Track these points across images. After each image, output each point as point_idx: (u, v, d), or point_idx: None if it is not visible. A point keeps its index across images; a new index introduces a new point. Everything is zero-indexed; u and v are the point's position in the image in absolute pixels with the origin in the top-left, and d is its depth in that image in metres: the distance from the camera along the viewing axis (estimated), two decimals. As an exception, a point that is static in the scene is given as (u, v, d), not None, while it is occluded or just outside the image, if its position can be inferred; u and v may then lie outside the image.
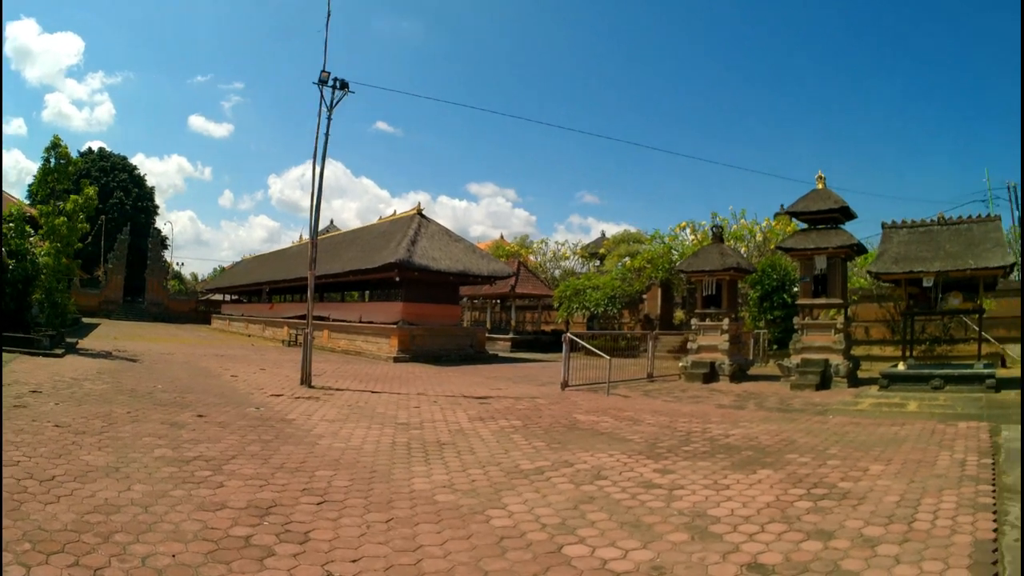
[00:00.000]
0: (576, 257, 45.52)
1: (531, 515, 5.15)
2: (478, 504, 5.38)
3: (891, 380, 13.70)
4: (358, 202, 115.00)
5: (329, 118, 14.20)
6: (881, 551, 4.48)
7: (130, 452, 6.51)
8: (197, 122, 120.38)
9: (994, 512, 5.12)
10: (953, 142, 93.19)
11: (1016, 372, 16.03)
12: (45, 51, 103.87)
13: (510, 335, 32.94)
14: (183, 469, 5.96)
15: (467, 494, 5.67)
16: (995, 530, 4.74)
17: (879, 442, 8.21)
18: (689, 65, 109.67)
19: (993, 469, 6.52)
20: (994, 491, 5.70)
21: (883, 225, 15.80)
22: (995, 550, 4.39)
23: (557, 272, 44.18)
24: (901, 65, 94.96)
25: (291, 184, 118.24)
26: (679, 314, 31.60)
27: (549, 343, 30.95)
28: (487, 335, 29.85)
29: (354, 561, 4.05)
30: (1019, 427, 8.50)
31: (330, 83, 14.09)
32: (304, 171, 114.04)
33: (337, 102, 14.20)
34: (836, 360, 15.05)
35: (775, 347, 22.86)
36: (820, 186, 16.42)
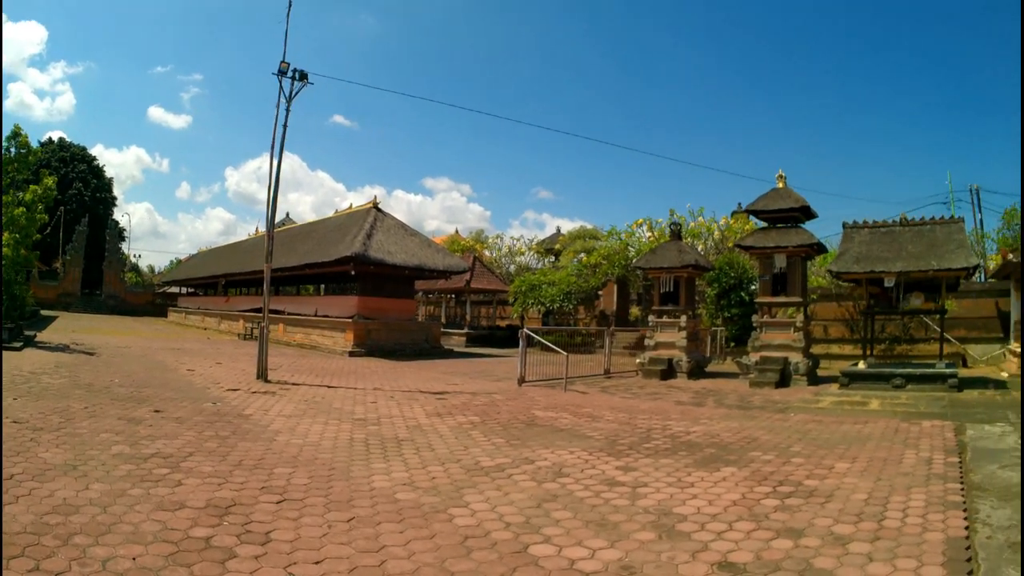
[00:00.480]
0: (531, 253, 46.07)
1: (494, 513, 5.09)
2: (440, 502, 5.33)
3: (852, 378, 13.94)
4: (314, 195, 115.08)
5: (288, 109, 14.28)
6: (853, 549, 4.45)
7: (88, 449, 6.50)
8: (156, 113, 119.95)
9: (964, 510, 5.14)
10: (914, 144, 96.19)
11: (978, 372, 16.58)
12: (8, 40, 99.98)
13: (465, 330, 33.32)
14: (141, 467, 5.92)
15: (428, 492, 5.62)
16: (967, 528, 4.74)
17: (843, 440, 8.29)
18: (647, 63, 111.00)
19: (960, 467, 6.60)
20: (963, 489, 5.75)
21: (844, 225, 16.08)
22: (968, 547, 4.38)
23: (512, 267, 44.65)
24: (864, 66, 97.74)
25: (248, 177, 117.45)
26: (635, 311, 31.95)
27: (504, 338, 31.34)
28: (442, 330, 30.04)
29: (317, 563, 3.99)
30: (984, 426, 8.74)
31: (289, 74, 14.16)
32: (261, 164, 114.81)
33: (296, 93, 14.30)
34: (795, 358, 15.25)
35: (733, 344, 23.21)
36: (781, 185, 16.62)
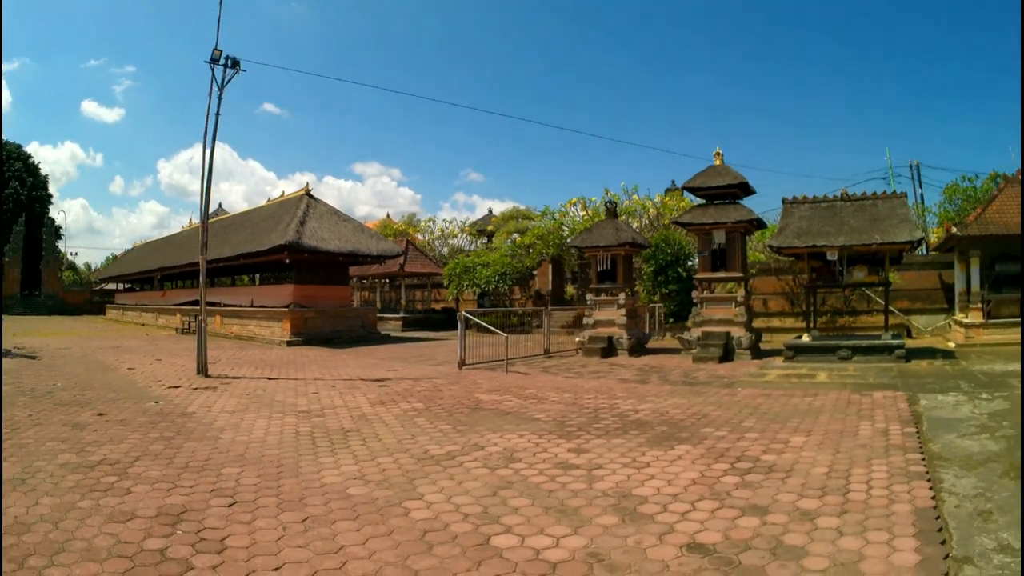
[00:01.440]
0: (464, 235, 46.45)
1: (450, 505, 5.06)
2: (394, 496, 5.28)
3: (796, 351, 14.32)
4: (245, 185, 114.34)
5: (220, 97, 14.53)
6: (822, 524, 4.48)
7: (35, 460, 6.41)
8: (90, 107, 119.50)
9: (929, 480, 5.27)
10: (851, 121, 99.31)
11: (924, 342, 17.29)
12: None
13: (401, 314, 33.70)
14: (88, 476, 5.82)
15: (380, 485, 5.58)
16: (933, 498, 4.83)
17: (795, 413, 8.45)
18: (575, 44, 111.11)
19: (918, 438, 6.80)
20: (924, 459, 5.90)
21: (784, 200, 16.45)
22: (937, 517, 4.46)
23: (445, 250, 44.99)
24: (799, 42, 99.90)
25: (180, 168, 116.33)
26: (570, 289, 32.28)
27: (440, 321, 32.11)
28: (378, 315, 30.20)
29: (276, 569, 3.91)
30: (936, 396, 9.13)
31: (222, 62, 14.39)
32: (192, 154, 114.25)
33: (228, 81, 14.54)
34: (738, 333, 15.57)
35: (671, 320, 23.63)
36: (718, 162, 16.90)
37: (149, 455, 6.58)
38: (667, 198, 30.06)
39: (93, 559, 4.00)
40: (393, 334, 28.31)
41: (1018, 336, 15.67)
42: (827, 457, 6.14)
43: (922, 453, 6.11)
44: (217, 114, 14.53)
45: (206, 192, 14.69)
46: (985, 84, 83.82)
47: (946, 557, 3.85)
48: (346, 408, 9.46)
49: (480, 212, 58.94)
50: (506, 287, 31.21)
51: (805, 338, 14.71)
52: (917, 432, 7.03)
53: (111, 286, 54.21)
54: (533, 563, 3.93)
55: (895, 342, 13.73)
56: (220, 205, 58.47)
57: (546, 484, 5.52)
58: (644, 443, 6.95)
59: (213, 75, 14.32)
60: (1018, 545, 3.94)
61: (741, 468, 5.89)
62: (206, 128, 14.44)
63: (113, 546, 4.20)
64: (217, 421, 8.45)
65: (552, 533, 4.40)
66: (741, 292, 16.04)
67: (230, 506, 5.00)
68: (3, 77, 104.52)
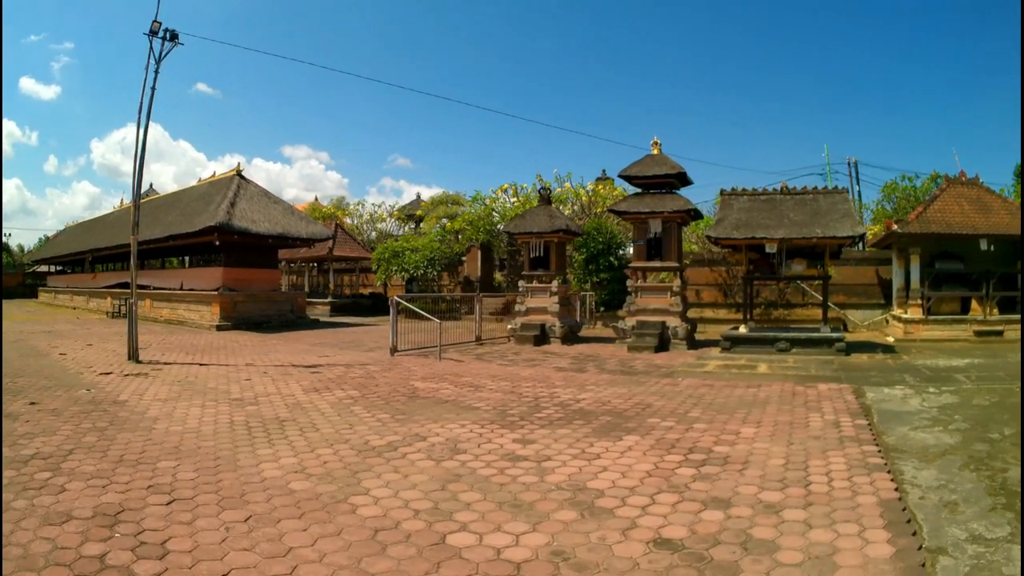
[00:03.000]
0: (393, 219, 46.51)
1: (399, 500, 4.89)
2: (338, 491, 5.11)
3: (734, 342, 14.55)
4: (176, 166, 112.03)
5: (157, 71, 14.51)
6: (788, 517, 4.45)
7: None
8: (27, 84, 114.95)
9: (889, 472, 5.32)
10: (789, 116, 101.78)
11: (861, 336, 17.91)
12: None
13: (329, 299, 33.82)
14: (21, 472, 5.60)
15: (323, 479, 5.41)
16: (897, 490, 4.87)
17: (741, 404, 8.52)
18: (509, 31, 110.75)
19: (871, 430, 6.91)
20: (880, 452, 5.99)
21: (722, 192, 16.69)
22: (904, 509, 4.48)
23: (373, 234, 44.99)
24: (736, 36, 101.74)
25: (112, 148, 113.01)
26: (498, 276, 32.24)
27: (369, 306, 32.54)
28: (307, 300, 30.12)
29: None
30: (883, 389, 9.40)
31: (160, 34, 14.36)
32: (125, 134, 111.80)
33: (166, 54, 14.55)
34: (674, 322, 15.72)
35: (602, 309, 23.83)
36: (656, 151, 17.01)
37: (83, 448, 6.38)
38: (599, 187, 30.31)
39: (30, 568, 3.75)
40: (322, 319, 28.29)
41: (957, 333, 16.59)
42: (781, 449, 6.16)
43: (877, 445, 6.20)
44: (153, 88, 14.50)
45: (139, 169, 14.64)
46: (927, 86, 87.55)
47: (920, 548, 3.86)
48: (280, 396, 9.36)
49: (407, 197, 58.98)
50: (435, 273, 31.44)
51: (742, 329, 14.96)
52: (869, 424, 7.16)
53: (44, 268, 53.22)
54: (495, 563, 3.75)
55: (835, 335, 14.10)
56: (151, 186, 57.19)
57: (496, 477, 5.38)
58: (591, 433, 6.88)
59: (151, 48, 14.32)
60: (989, 535, 3.98)
61: (695, 460, 5.85)
62: (141, 102, 14.36)
63: (50, 552, 3.96)
64: (150, 410, 8.31)
65: (510, 530, 4.24)
66: (677, 282, 16.20)
67: (169, 504, 4.79)
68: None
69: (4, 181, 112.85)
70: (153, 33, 14.21)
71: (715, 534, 4.14)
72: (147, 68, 14.36)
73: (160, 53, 14.36)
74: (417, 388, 9.98)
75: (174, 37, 14.47)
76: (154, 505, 4.75)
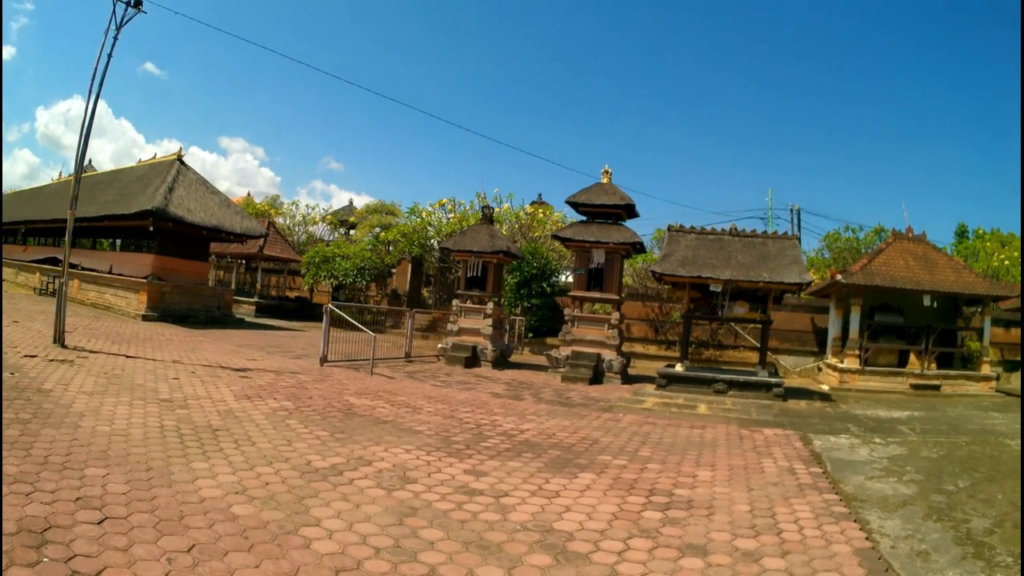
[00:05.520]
0: (325, 224, 46.19)
1: (355, 535, 4.67)
2: (286, 520, 4.81)
3: (669, 380, 14.76)
4: (115, 145, 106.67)
5: (116, 37, 14.32)
6: (769, 565, 4.49)
7: None
8: None
9: (856, 521, 5.44)
10: (734, 158, 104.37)
11: (794, 382, 18.39)
12: None
13: (255, 299, 33.49)
14: None
15: (267, 504, 5.11)
16: (867, 539, 4.96)
17: (689, 445, 8.62)
18: (454, 46, 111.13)
19: (827, 478, 7.09)
20: (841, 500, 6.11)
21: (669, 227, 17.02)
22: (880, 558, 4.59)
23: (303, 237, 44.50)
24: (687, 77, 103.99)
25: (56, 118, 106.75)
26: (424, 292, 32.05)
27: (294, 310, 32.62)
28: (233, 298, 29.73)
29: None
30: (828, 437, 9.68)
31: None
32: (70, 106, 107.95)
33: (128, 20, 14.39)
34: (609, 355, 15.86)
35: (531, 335, 23.85)
36: (605, 180, 17.28)
37: (5, 443, 5.95)
38: (539, 210, 30.66)
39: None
40: (247, 319, 27.86)
41: (893, 385, 17.25)
42: (742, 494, 6.23)
43: (837, 494, 6.34)
44: (110, 55, 14.35)
45: (85, 138, 14.38)
46: (875, 136, 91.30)
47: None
48: (211, 400, 9.14)
49: (337, 202, 58.65)
50: (363, 282, 31.35)
51: (679, 367, 15.19)
52: (824, 472, 7.34)
53: (-30, 235, 49.54)
54: (479, 616, 3.58)
55: (774, 380, 14.48)
56: (90, 162, 54.73)
57: (455, 512, 5.21)
58: (543, 468, 6.82)
59: (114, 12, 14.14)
60: None
61: (658, 503, 5.84)
62: (96, 68, 14.18)
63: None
64: (76, 404, 8.01)
65: (484, 575, 4.08)
66: (616, 315, 16.38)
67: (100, 523, 4.40)
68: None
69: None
70: (117, -4, 14.09)
71: (700, 583, 4.11)
72: (106, 32, 14.21)
73: (121, 19, 14.23)
74: (352, 404, 9.80)
75: (137, 3, 14.39)
76: (85, 523, 4.37)
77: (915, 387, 17.09)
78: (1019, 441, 9.70)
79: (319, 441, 7.27)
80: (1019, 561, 4.58)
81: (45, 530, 4.18)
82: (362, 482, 5.82)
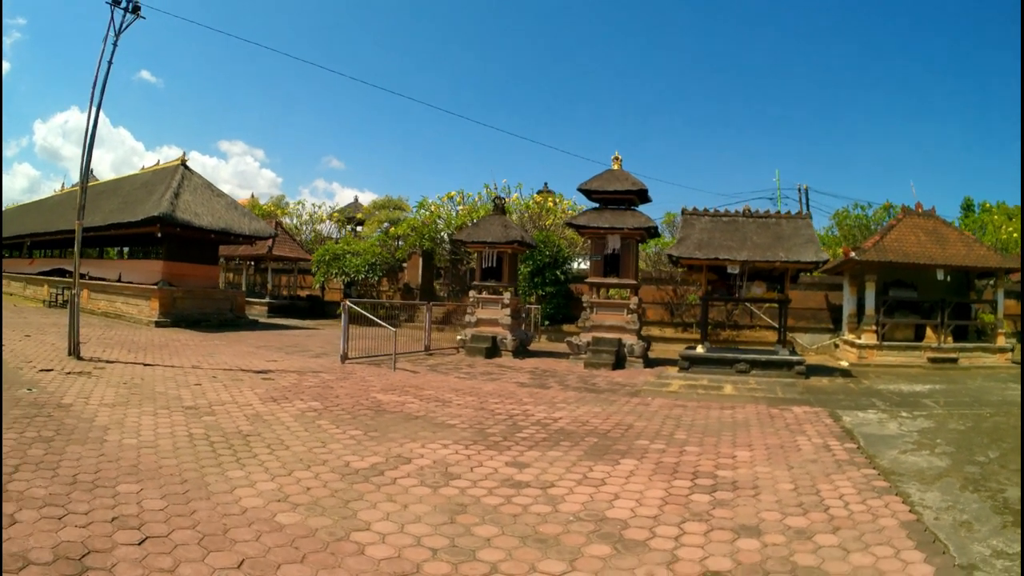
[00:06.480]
0: (332, 221, 46.50)
1: (408, 537, 4.63)
2: (335, 526, 4.79)
3: (692, 362, 14.98)
4: (114, 154, 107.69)
5: (115, 44, 14.32)
6: (822, 542, 4.68)
7: None
8: None
9: (898, 495, 5.65)
10: (740, 139, 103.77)
11: (811, 359, 18.52)
12: None
13: (267, 300, 33.83)
14: None
15: (312, 510, 5.07)
16: (912, 511, 5.17)
17: (722, 426, 8.84)
18: (458, 38, 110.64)
19: (862, 454, 7.29)
20: (880, 475, 6.32)
21: (683, 211, 17.21)
22: (926, 530, 4.83)
23: (310, 235, 44.84)
24: (688, 61, 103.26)
25: (54, 131, 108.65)
26: (436, 285, 32.24)
27: (306, 309, 32.86)
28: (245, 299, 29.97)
29: None
30: (856, 413, 9.83)
31: (123, 4, 14.31)
32: (67, 117, 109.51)
33: (127, 27, 14.42)
34: (630, 340, 16.06)
35: (547, 323, 24.07)
36: (616, 167, 17.45)
37: (30, 463, 5.83)
38: (548, 199, 30.84)
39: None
40: (260, 320, 28.12)
41: (911, 359, 17.48)
42: (784, 473, 6.42)
43: (875, 468, 6.55)
44: (110, 62, 14.36)
45: (89, 147, 14.34)
46: (879, 114, 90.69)
47: (954, 565, 4.18)
48: (236, 405, 9.09)
49: (341, 200, 59.00)
50: (375, 278, 31.63)
51: (700, 349, 15.40)
52: (858, 448, 7.55)
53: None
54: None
55: (795, 358, 14.67)
56: (92, 171, 54.46)
57: (505, 507, 5.30)
58: (584, 456, 6.97)
59: (112, 18, 14.16)
60: (1010, 551, 4.37)
61: (704, 485, 6.02)
62: (96, 76, 14.19)
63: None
64: (99, 417, 7.89)
65: (547, 570, 4.16)
66: (634, 299, 16.58)
67: (141, 543, 4.24)
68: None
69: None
70: (115, 2, 14.09)
71: (760, 563, 4.29)
72: (105, 39, 14.19)
73: (120, 25, 14.23)
74: (381, 401, 9.89)
75: (136, 9, 14.39)
76: (125, 545, 4.20)
77: (933, 361, 17.32)
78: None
79: (354, 441, 7.29)
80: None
81: (83, 556, 4.02)
82: (405, 481, 5.85)
